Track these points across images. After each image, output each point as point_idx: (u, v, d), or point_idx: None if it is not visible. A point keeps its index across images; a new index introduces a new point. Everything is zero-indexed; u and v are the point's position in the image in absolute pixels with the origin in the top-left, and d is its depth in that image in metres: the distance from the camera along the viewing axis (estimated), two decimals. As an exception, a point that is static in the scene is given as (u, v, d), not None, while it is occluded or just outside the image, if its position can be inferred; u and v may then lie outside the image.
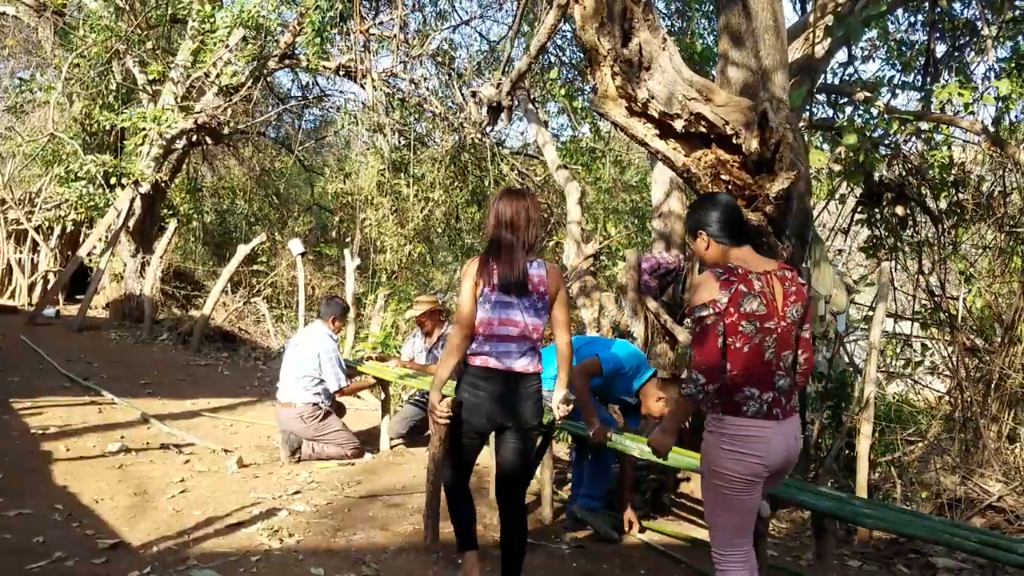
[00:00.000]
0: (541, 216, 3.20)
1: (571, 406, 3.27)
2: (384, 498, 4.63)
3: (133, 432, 5.81)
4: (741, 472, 2.51)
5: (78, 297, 10.81)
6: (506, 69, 7.76)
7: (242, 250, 9.55)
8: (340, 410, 5.74)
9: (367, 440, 5.87)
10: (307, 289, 13.28)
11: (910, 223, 6.81)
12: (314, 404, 5.35)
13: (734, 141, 2.98)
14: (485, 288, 3.08)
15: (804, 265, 3.50)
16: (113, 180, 10.14)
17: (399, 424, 6.08)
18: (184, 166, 13.24)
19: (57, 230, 12.08)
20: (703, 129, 2.99)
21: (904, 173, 6.41)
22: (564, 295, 3.20)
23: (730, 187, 3.04)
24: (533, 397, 3.14)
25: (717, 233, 2.58)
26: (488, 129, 8.31)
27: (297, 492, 4.65)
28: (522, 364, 3.10)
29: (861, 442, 4.38)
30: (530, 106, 6.72)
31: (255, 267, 12.10)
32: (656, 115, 2.98)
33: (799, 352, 2.67)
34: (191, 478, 4.84)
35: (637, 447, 3.61)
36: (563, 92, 8.30)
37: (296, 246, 8.51)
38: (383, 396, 5.87)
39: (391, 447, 5.88)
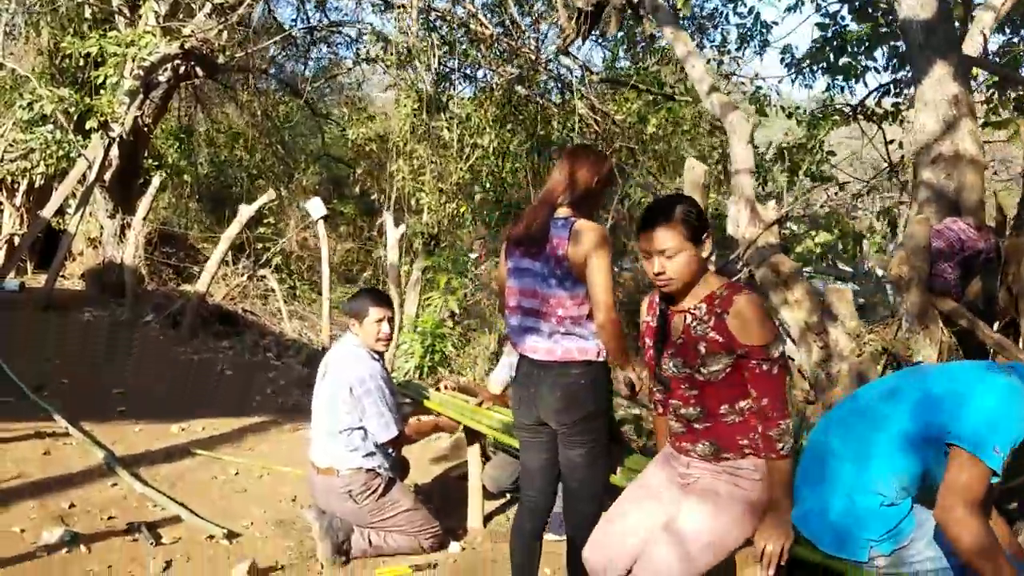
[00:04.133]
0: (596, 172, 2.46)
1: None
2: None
3: (90, 494, 3.86)
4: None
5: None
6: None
7: (245, 211, 7.50)
8: (404, 468, 3.67)
9: (443, 508, 3.86)
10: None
11: None
12: (368, 470, 3.33)
13: None
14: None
15: None
16: (89, 124, 8.15)
17: (500, 474, 3.98)
18: (173, 108, 11.20)
19: (24, 185, 10.17)
20: None
21: None
22: (598, 260, 2.42)
23: None
24: (566, 390, 2.49)
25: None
26: (575, 46, 6.17)
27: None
28: (545, 347, 2.53)
29: None
30: (661, 1, 4.59)
31: (260, 230, 10.02)
32: None
33: None
34: (171, 607, 2.88)
35: None
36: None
37: (316, 207, 6.46)
38: (471, 449, 3.79)
39: (485, 522, 3.81)
